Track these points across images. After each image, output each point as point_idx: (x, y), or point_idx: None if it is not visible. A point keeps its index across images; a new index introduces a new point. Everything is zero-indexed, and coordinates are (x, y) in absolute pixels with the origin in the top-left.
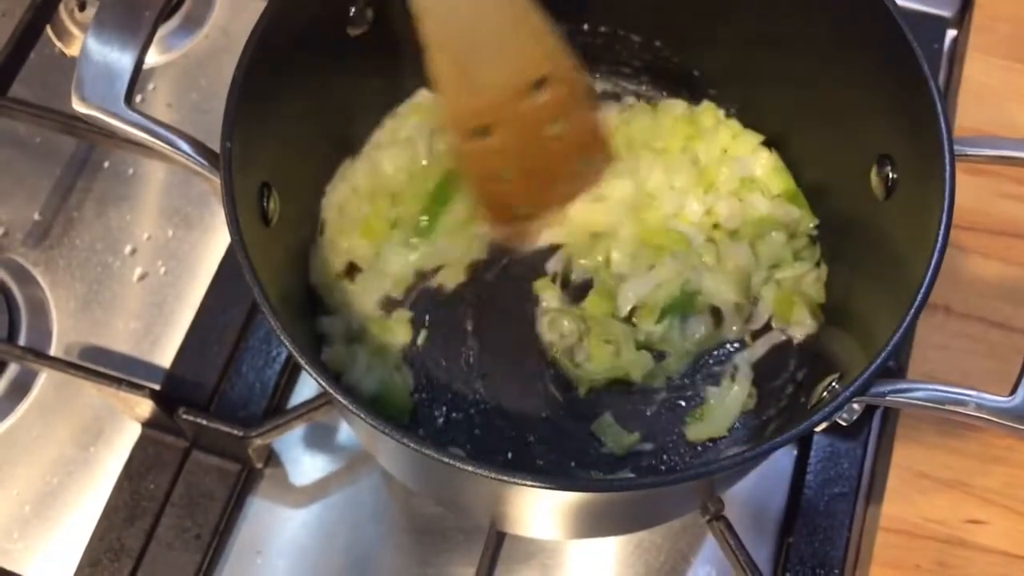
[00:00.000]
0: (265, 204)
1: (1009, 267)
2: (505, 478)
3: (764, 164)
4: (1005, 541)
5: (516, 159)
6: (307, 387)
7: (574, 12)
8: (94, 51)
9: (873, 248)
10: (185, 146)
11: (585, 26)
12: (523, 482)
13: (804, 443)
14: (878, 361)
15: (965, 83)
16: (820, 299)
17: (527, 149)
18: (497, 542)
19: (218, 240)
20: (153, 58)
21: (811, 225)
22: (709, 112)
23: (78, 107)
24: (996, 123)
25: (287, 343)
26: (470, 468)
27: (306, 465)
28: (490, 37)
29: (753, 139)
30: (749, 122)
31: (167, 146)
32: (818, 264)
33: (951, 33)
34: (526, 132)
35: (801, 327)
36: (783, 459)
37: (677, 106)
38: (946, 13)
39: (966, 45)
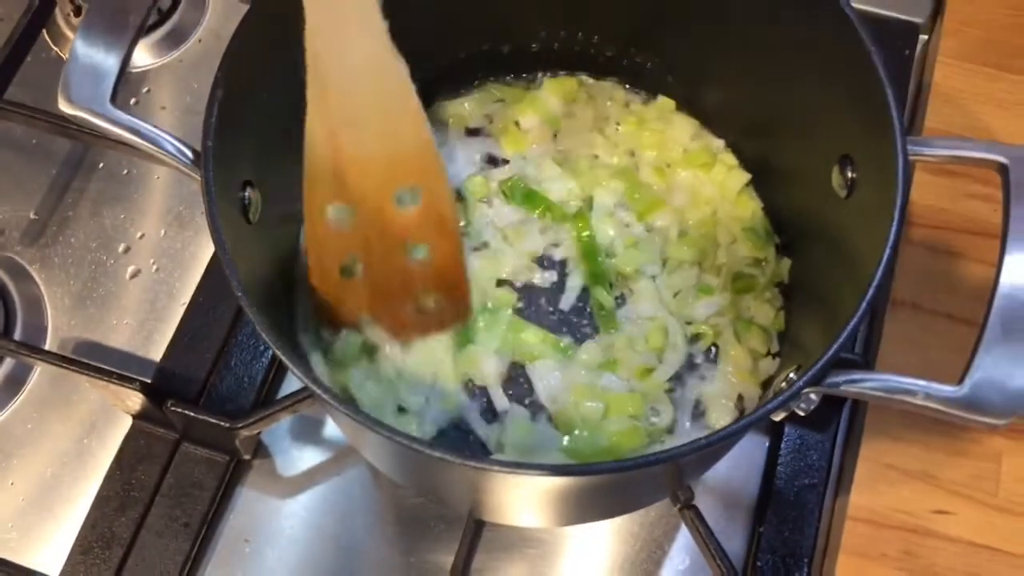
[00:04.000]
0: (247, 202)
1: (976, 265)
2: (472, 464)
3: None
4: (970, 531)
5: (372, 267)
6: (294, 381)
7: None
8: (81, 53)
9: (835, 245)
10: (169, 145)
11: (562, 32)
12: (489, 468)
13: (775, 435)
14: (830, 352)
15: (935, 87)
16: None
17: (385, 260)
18: (476, 530)
19: (209, 239)
20: (147, 62)
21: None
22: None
23: (64, 107)
24: (965, 126)
25: (265, 335)
26: (437, 454)
27: (294, 457)
28: (371, 113)
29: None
30: (712, 123)
31: (151, 145)
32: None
33: (923, 39)
34: (387, 241)
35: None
36: (755, 451)
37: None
38: (918, 19)
39: (936, 50)
